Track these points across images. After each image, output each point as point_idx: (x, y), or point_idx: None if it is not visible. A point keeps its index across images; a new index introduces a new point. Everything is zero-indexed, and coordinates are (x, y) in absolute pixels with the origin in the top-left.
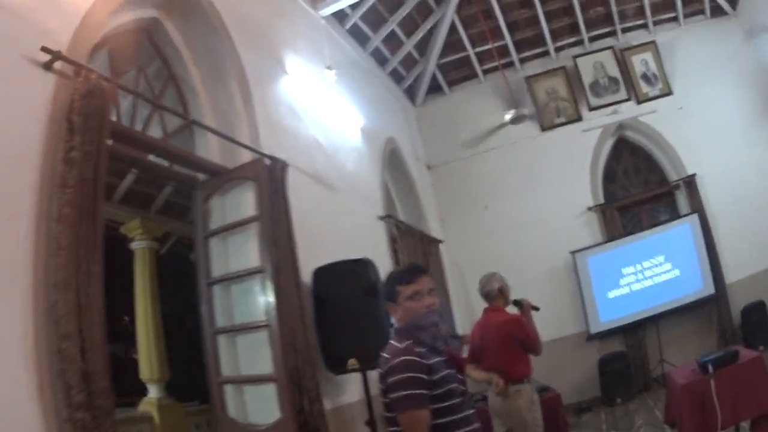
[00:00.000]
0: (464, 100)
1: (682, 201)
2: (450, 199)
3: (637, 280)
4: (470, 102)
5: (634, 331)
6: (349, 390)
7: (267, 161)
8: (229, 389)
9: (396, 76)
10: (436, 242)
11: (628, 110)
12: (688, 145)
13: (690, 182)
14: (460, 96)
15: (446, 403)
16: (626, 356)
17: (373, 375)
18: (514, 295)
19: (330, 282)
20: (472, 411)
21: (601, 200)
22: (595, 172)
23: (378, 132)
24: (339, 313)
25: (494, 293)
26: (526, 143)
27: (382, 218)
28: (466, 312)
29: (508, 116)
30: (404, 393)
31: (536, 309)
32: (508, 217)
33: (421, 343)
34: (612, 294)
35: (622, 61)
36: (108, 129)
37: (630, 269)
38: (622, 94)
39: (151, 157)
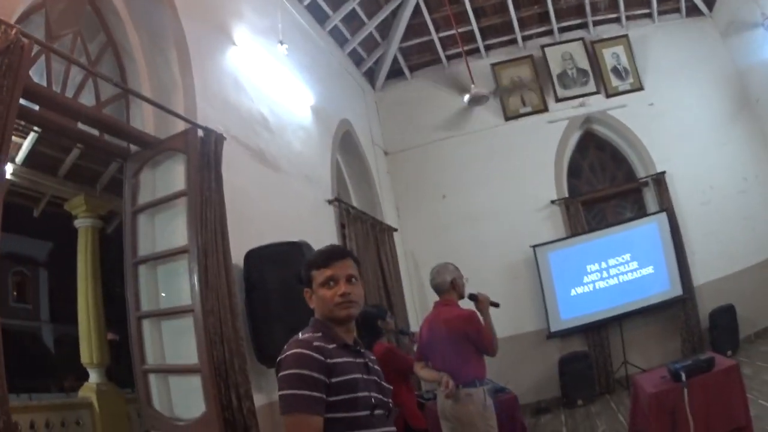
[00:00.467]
0: (426, 85)
1: (650, 199)
2: (407, 186)
3: (602, 278)
4: (432, 88)
5: (596, 330)
6: None
7: (200, 132)
8: (153, 379)
9: (356, 58)
10: (391, 230)
11: (597, 103)
12: (658, 142)
13: (659, 180)
14: (422, 81)
15: (347, 414)
16: (588, 356)
17: None
18: (470, 289)
19: (261, 266)
20: (387, 429)
21: (566, 194)
22: (560, 164)
23: (331, 113)
24: (271, 301)
25: (446, 286)
26: (488, 132)
27: (330, 202)
28: (420, 306)
29: (466, 97)
30: (289, 392)
31: (495, 305)
32: (468, 208)
33: (331, 339)
34: (574, 291)
35: (592, 53)
36: (21, 88)
37: (594, 266)
38: (591, 86)
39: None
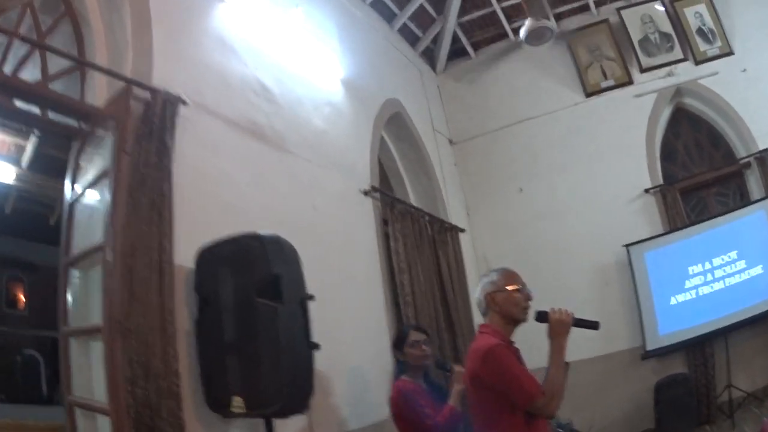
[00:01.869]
0: (493, 64)
1: (753, 182)
2: (477, 180)
3: (706, 282)
4: (500, 67)
5: (699, 347)
6: None
7: (146, 94)
8: (79, 414)
9: (409, 37)
10: (455, 231)
11: (686, 72)
12: (757, 115)
13: (763, 159)
14: (488, 60)
15: None
16: (688, 380)
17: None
18: (551, 303)
19: (215, 272)
20: None
21: (660, 181)
22: (651, 146)
23: (374, 91)
24: (223, 321)
25: (482, 306)
26: (567, 112)
27: (366, 193)
28: None
29: (522, 32)
30: None
31: (590, 325)
32: (548, 202)
33: None
34: (675, 300)
35: (673, 13)
36: None
37: (697, 268)
38: (678, 53)
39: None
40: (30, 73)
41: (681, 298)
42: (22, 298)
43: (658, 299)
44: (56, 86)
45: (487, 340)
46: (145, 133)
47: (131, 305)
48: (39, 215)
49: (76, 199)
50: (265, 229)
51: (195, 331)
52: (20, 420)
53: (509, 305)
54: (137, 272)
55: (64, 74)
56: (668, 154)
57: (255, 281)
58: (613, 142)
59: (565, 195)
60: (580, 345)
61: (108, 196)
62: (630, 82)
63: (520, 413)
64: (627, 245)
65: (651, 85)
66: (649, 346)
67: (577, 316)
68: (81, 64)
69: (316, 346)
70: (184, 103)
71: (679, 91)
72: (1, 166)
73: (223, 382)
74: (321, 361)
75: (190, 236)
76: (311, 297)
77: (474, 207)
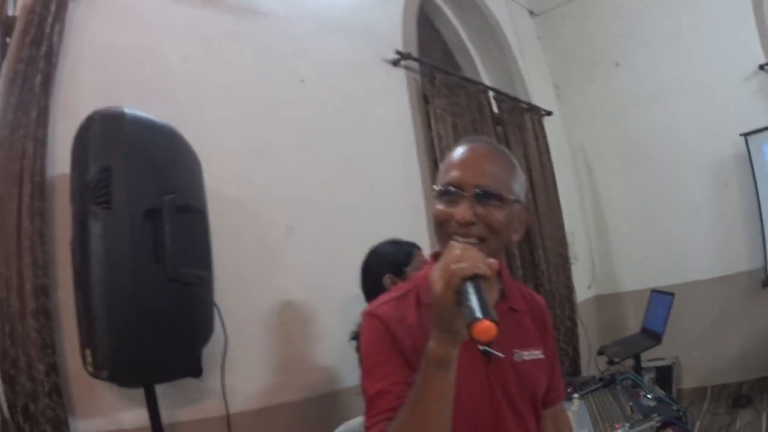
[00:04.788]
0: None
1: None
2: (566, 56)
3: None
4: None
5: None
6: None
7: None
8: None
9: None
10: (537, 112)
11: None
12: None
13: None
14: None
15: None
16: None
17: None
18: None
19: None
20: None
21: None
22: (760, 14)
23: None
24: (75, 242)
25: None
26: None
27: (395, 62)
28: (597, 235)
29: None
30: None
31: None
32: (648, 80)
33: None
34: None
35: None
36: None
37: None
38: None
39: None
40: None
41: None
42: None
43: None
44: None
45: (381, 297)
46: (26, 26)
47: None
48: None
49: None
50: (216, 114)
51: (76, 262)
52: None
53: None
54: None
55: None
56: None
57: (88, 181)
58: (718, 9)
59: (669, 70)
60: (689, 261)
61: None
62: None
63: None
64: (745, 134)
65: None
66: None
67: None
68: None
69: (186, 279)
70: None
71: None
72: None
73: (80, 326)
74: (299, 293)
75: None
76: (186, 198)
77: (565, 87)
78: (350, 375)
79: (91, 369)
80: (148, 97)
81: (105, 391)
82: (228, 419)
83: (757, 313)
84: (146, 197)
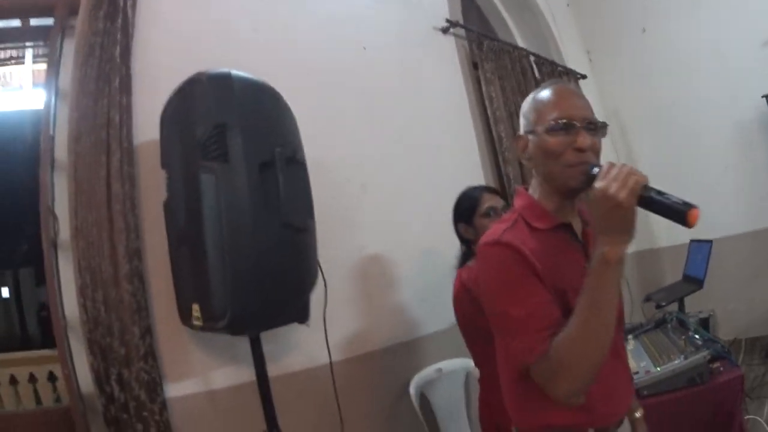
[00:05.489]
0: None
1: None
2: (595, 21)
3: None
4: None
5: None
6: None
7: None
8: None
9: None
10: (573, 76)
11: None
12: None
13: None
14: None
15: None
16: None
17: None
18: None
19: (169, 138)
20: None
21: None
22: None
23: None
24: (176, 201)
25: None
26: None
27: (445, 30)
28: None
29: None
30: None
31: (673, 215)
32: (674, 44)
33: None
34: None
35: None
36: None
37: None
38: None
39: None
40: None
41: None
42: None
43: None
44: None
45: (489, 232)
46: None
47: (77, 198)
48: None
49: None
50: (287, 83)
51: (169, 221)
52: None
53: (542, 158)
54: (82, 157)
55: None
56: None
57: (198, 138)
58: None
59: (694, 35)
60: (720, 217)
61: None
62: None
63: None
64: (766, 96)
65: None
66: None
67: (653, 185)
68: None
69: (299, 224)
70: None
71: None
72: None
73: (183, 284)
74: (376, 246)
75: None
76: (294, 151)
77: (596, 52)
78: (428, 323)
79: (199, 323)
80: (221, 67)
81: (195, 352)
82: (331, 367)
83: None
84: (259, 151)
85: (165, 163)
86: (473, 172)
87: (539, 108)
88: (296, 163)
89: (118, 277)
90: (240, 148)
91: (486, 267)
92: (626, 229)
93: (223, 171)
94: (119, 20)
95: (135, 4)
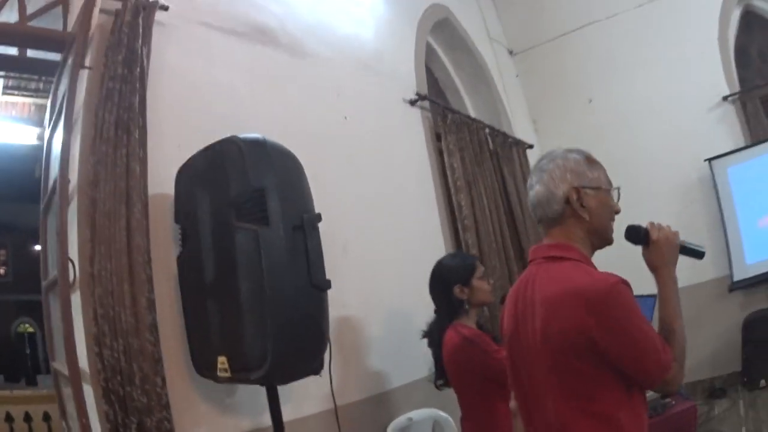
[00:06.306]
0: None
1: None
2: (543, 92)
3: None
4: None
5: None
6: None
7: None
8: (63, 382)
9: None
10: (522, 146)
11: None
12: None
13: None
14: None
15: None
16: None
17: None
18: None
19: (191, 195)
20: None
21: (737, 87)
22: (725, 48)
23: None
24: (201, 257)
25: (556, 203)
26: (630, 15)
27: (413, 102)
28: None
29: None
30: None
31: (695, 254)
32: (620, 112)
33: None
34: (763, 223)
35: None
36: None
37: None
38: None
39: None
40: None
41: None
42: None
43: (744, 222)
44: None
45: (599, 275)
46: (113, 44)
47: (94, 246)
48: None
49: (51, 138)
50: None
51: (178, 272)
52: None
53: (605, 213)
54: (100, 205)
55: (45, 11)
56: (742, 59)
57: (232, 199)
58: (684, 45)
59: (638, 103)
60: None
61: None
62: None
63: (623, 387)
64: (709, 159)
65: None
66: (737, 276)
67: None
68: None
69: (324, 285)
70: (163, 8)
71: None
72: (24, 130)
73: (207, 337)
74: (355, 305)
75: (176, 158)
76: (317, 217)
77: (542, 122)
78: (398, 376)
79: (226, 374)
80: (223, 128)
81: (202, 402)
82: (336, 413)
83: (725, 315)
84: (290, 215)
85: (182, 219)
86: (435, 239)
87: (600, 170)
88: (317, 227)
89: (139, 327)
90: (278, 212)
91: (622, 301)
92: (676, 260)
93: (264, 232)
94: (138, 69)
95: (149, 53)
